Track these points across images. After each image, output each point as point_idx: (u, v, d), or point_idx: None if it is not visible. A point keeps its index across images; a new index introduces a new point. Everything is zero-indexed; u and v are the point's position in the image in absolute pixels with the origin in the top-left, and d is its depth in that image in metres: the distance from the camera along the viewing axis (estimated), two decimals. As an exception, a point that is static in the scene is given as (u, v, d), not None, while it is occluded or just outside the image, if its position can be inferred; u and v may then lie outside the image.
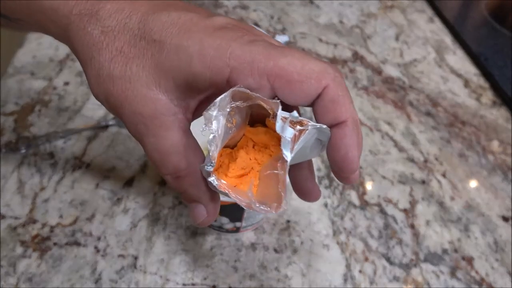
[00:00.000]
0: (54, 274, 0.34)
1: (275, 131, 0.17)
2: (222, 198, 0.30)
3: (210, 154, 0.17)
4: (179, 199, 0.40)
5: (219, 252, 0.37)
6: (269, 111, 0.18)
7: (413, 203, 0.44)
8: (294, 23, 0.66)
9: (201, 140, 0.21)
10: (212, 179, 0.18)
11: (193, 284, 0.34)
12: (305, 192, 0.23)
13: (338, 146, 0.18)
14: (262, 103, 0.17)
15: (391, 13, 0.73)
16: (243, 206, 0.17)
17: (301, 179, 0.23)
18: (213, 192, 0.21)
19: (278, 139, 0.18)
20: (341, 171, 0.19)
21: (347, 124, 0.18)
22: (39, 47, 0.54)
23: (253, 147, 0.20)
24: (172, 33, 0.17)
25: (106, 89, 0.18)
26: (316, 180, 0.44)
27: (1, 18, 0.21)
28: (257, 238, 0.38)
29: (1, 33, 0.48)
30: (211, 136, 0.17)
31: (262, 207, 0.17)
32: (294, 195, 0.42)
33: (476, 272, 0.39)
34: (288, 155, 0.16)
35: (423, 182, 0.46)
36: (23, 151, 0.41)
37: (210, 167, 0.17)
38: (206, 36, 0.17)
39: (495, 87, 0.60)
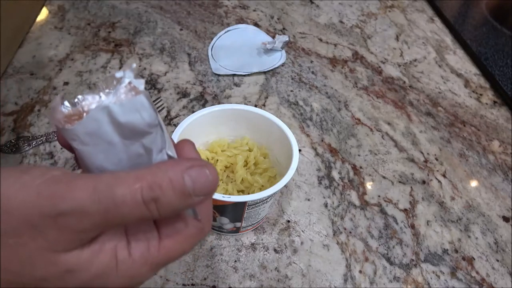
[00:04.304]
0: (53, 274, 0.34)
1: None
2: (223, 198, 0.30)
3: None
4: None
5: (219, 252, 0.37)
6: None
7: (413, 203, 0.43)
8: (294, 23, 0.66)
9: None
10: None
11: (193, 284, 0.34)
12: None
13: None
14: None
15: (391, 13, 0.73)
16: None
17: None
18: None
19: None
20: None
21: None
22: (39, 47, 0.54)
23: None
24: None
25: None
26: (316, 180, 0.44)
27: None
28: (257, 238, 0.38)
29: (1, 33, 0.48)
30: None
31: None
32: (294, 195, 0.42)
33: (477, 272, 0.39)
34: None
35: (423, 182, 0.46)
36: (23, 151, 0.41)
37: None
38: None
39: (496, 87, 0.60)
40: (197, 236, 0.19)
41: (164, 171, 0.15)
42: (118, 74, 0.16)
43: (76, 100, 0.16)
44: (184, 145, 0.20)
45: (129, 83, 0.16)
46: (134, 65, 0.17)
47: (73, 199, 0.14)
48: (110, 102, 0.15)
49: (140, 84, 0.16)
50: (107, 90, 0.16)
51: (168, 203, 0.15)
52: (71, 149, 0.17)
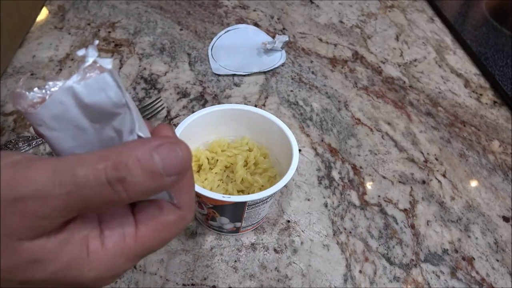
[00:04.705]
0: (53, 274, 0.34)
1: None
2: (223, 198, 0.30)
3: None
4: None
5: (219, 252, 0.37)
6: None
7: (413, 203, 0.43)
8: (294, 23, 0.66)
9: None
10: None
11: (193, 284, 0.34)
12: None
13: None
14: None
15: (391, 13, 0.73)
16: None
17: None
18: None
19: None
20: None
21: None
22: (39, 47, 0.54)
23: None
24: None
25: None
26: (316, 180, 0.43)
27: None
28: (257, 238, 0.38)
29: (1, 33, 0.48)
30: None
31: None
32: (294, 195, 0.42)
33: (477, 272, 0.39)
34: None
35: (423, 182, 0.46)
36: (23, 151, 0.41)
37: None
38: None
39: (496, 87, 0.60)
40: (177, 224, 0.17)
41: (131, 150, 0.14)
42: (80, 52, 0.15)
43: (46, 86, 0.15)
44: (163, 128, 0.19)
45: (94, 62, 0.15)
46: (97, 42, 0.16)
47: (32, 182, 0.13)
48: (74, 82, 0.14)
49: (107, 63, 0.15)
50: (75, 73, 0.15)
51: (136, 184, 0.14)
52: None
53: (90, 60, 0.15)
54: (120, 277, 0.34)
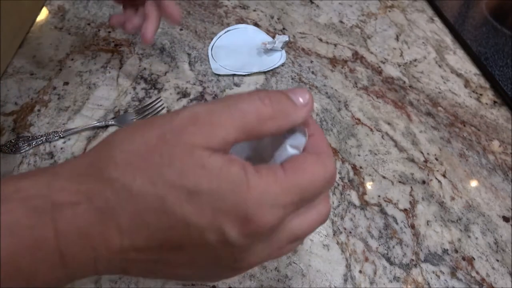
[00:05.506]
0: (53, 274, 0.34)
1: None
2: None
3: None
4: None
5: (219, 252, 0.37)
6: None
7: (413, 203, 0.43)
8: (294, 23, 0.66)
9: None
10: None
11: (193, 284, 0.34)
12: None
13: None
14: None
15: (391, 13, 0.73)
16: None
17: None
18: None
19: None
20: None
21: None
22: (39, 47, 0.54)
23: None
24: None
25: None
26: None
27: None
28: (257, 238, 0.38)
29: (1, 33, 0.48)
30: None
31: None
32: (294, 195, 0.42)
33: (477, 272, 0.39)
34: None
35: (423, 182, 0.46)
36: (23, 151, 0.41)
37: None
38: None
39: (496, 87, 0.60)
40: (322, 163, 0.19)
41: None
42: (290, 142, 0.21)
43: None
44: None
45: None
46: (306, 132, 0.21)
47: (204, 107, 0.18)
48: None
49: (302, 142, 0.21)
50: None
51: (277, 99, 0.19)
52: None
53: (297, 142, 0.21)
54: (120, 277, 0.34)
